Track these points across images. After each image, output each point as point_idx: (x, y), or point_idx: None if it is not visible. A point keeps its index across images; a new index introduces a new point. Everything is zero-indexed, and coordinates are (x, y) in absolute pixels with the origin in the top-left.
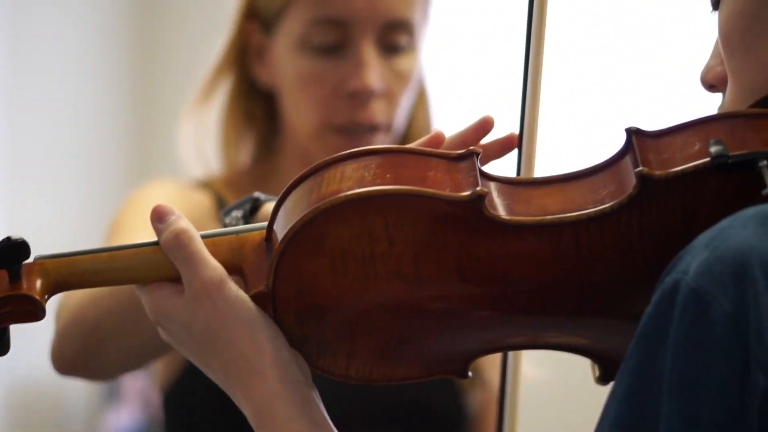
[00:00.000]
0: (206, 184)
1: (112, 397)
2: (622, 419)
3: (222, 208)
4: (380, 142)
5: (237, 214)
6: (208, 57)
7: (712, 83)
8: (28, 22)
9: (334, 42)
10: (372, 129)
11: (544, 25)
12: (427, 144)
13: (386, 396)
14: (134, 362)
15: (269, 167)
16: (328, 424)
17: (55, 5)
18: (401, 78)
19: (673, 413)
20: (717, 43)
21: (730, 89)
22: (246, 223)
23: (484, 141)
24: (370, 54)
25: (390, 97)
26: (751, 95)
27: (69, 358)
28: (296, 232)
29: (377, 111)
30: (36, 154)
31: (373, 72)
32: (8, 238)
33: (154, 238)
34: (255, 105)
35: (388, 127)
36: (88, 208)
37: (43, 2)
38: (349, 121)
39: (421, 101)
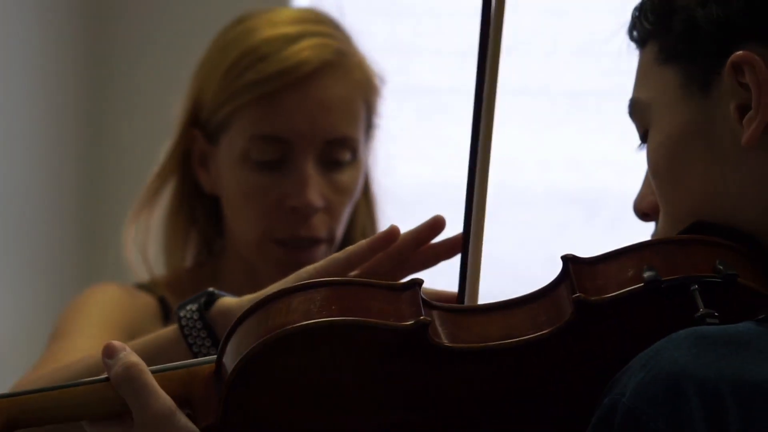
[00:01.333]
0: (149, 287)
1: None
2: None
3: (166, 309)
4: (322, 254)
5: (192, 307)
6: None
7: (645, 212)
8: None
9: (275, 157)
10: (313, 243)
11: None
12: (379, 240)
13: None
14: None
15: (212, 270)
16: None
17: None
18: (342, 192)
19: None
20: (647, 172)
21: (662, 218)
22: (201, 317)
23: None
24: (310, 170)
25: (331, 211)
26: (681, 223)
27: None
28: (244, 366)
29: (318, 225)
30: None
31: (314, 189)
32: None
33: (98, 343)
34: (198, 208)
35: (329, 240)
36: (31, 308)
37: None
38: (290, 235)
39: (365, 201)
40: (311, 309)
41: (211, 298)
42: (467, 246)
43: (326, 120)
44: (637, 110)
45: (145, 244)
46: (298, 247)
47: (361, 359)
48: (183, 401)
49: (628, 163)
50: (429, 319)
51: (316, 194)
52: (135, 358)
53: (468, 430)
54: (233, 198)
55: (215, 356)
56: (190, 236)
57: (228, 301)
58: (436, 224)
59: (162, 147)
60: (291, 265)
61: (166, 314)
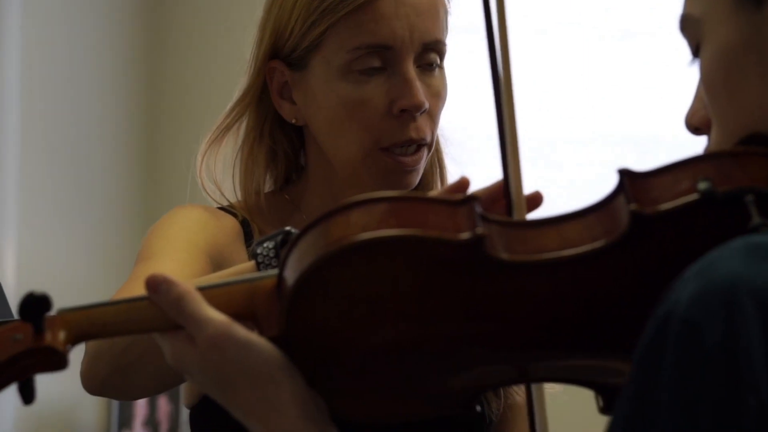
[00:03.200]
0: (230, 209)
1: (122, 425)
2: None
3: (247, 231)
4: (424, 160)
5: (269, 245)
6: (221, 85)
7: (697, 126)
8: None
9: (378, 65)
10: (419, 147)
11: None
12: (452, 190)
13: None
14: (161, 384)
15: (291, 196)
16: None
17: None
18: (437, 95)
19: None
20: (699, 86)
21: (714, 132)
22: (277, 254)
23: None
24: (413, 72)
25: (430, 114)
26: (734, 136)
27: (100, 380)
28: (304, 278)
29: (424, 128)
30: (46, 186)
31: (420, 89)
32: (31, 293)
33: (183, 265)
34: (279, 139)
35: (431, 144)
36: (98, 241)
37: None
38: (399, 140)
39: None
40: (370, 223)
41: (288, 237)
42: (509, 192)
43: (422, 24)
44: (689, 26)
45: (216, 174)
46: (405, 154)
47: (418, 272)
48: (246, 314)
49: (681, 107)
50: (486, 232)
51: (422, 94)
52: (176, 291)
53: (523, 345)
54: (334, 116)
55: (277, 271)
56: (268, 167)
57: None
58: (462, 185)
59: (221, 83)
60: (399, 172)
61: (248, 236)
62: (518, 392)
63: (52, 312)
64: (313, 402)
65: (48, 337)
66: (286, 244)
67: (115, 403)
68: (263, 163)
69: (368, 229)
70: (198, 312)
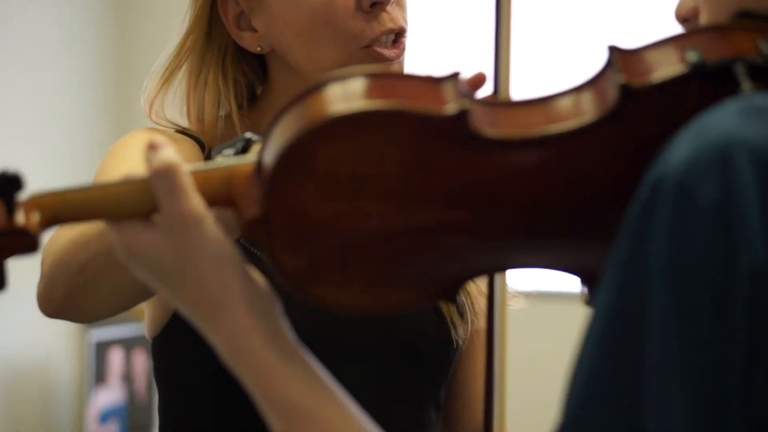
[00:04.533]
0: (186, 131)
1: (98, 379)
2: (612, 308)
3: (205, 152)
4: (405, 51)
5: (229, 152)
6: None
7: (686, 17)
8: None
9: None
10: (399, 35)
11: None
12: (470, 82)
13: (373, 332)
14: (120, 303)
15: (249, 116)
16: (300, 354)
17: None
18: None
19: (661, 298)
20: None
21: (703, 17)
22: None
23: None
24: None
25: (399, 4)
26: (722, 16)
27: (57, 301)
28: (287, 154)
29: (398, 16)
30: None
31: None
32: (3, 172)
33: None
34: (240, 70)
35: (404, 33)
36: (70, 159)
37: None
38: (379, 32)
39: None
40: (353, 97)
41: (248, 144)
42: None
43: None
44: None
45: (167, 114)
46: (387, 46)
47: (401, 149)
48: (224, 199)
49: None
50: (470, 106)
51: None
52: (177, 158)
53: (509, 228)
54: (305, 28)
55: (255, 156)
56: (220, 98)
57: None
58: (479, 79)
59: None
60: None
61: (208, 157)
62: (481, 318)
63: (24, 196)
64: (263, 299)
65: (20, 218)
66: (247, 150)
67: (91, 358)
68: (215, 95)
69: (352, 103)
70: (187, 184)
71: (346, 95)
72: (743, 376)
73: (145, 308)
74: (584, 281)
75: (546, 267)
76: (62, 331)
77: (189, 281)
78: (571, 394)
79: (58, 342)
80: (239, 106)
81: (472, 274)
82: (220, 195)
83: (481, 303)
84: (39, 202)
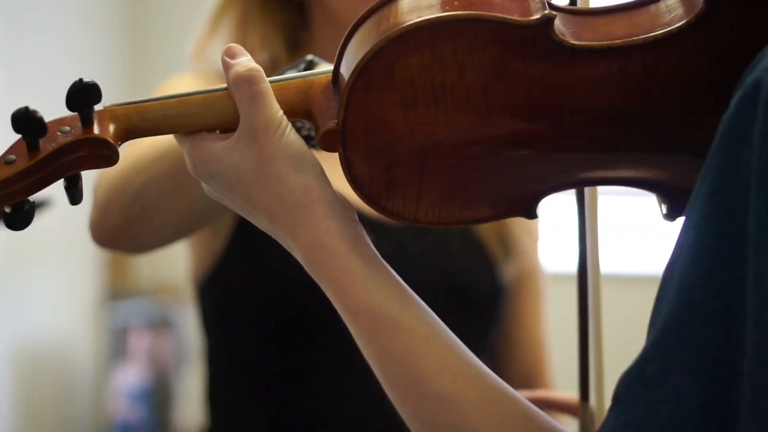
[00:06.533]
0: None
1: (119, 355)
2: (708, 217)
3: None
4: None
5: (292, 73)
6: None
7: None
8: None
9: None
10: None
11: None
12: None
13: (421, 273)
14: (175, 232)
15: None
16: (381, 262)
17: None
18: None
19: (762, 204)
20: None
21: None
22: None
23: None
24: None
25: None
26: None
27: (110, 229)
28: (366, 64)
29: None
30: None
31: None
32: (80, 80)
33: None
34: (285, 13)
35: None
36: None
37: None
38: None
39: None
40: (433, 5)
41: (311, 65)
42: None
43: None
44: None
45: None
46: None
47: (482, 58)
48: (300, 110)
49: None
50: (554, 13)
51: None
52: (256, 65)
53: (588, 141)
54: None
55: (332, 67)
56: (265, 44)
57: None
58: None
59: None
60: None
61: None
62: (531, 258)
63: (100, 107)
64: (344, 207)
65: (97, 129)
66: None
67: (109, 338)
68: (261, 36)
69: (433, 11)
70: (269, 91)
71: (428, 3)
72: None
73: (191, 249)
74: (663, 197)
75: (624, 183)
76: (83, 311)
77: (270, 185)
78: (661, 308)
79: (79, 323)
80: (282, 53)
81: (551, 190)
82: (298, 106)
83: (526, 242)
84: (114, 113)
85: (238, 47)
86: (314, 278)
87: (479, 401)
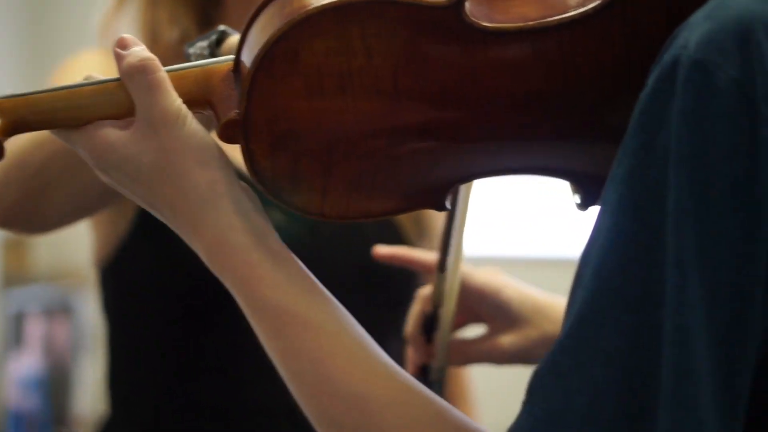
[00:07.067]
0: None
1: (14, 344)
2: (625, 199)
3: None
4: None
5: (202, 44)
6: None
7: None
8: None
9: None
10: None
11: None
12: None
13: (334, 256)
14: (77, 211)
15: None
16: (289, 256)
17: None
18: None
19: (681, 183)
20: None
21: None
22: (212, 54)
23: None
24: None
25: None
26: None
27: (9, 207)
28: (269, 50)
29: None
30: None
31: None
32: None
33: None
34: None
35: None
36: None
37: None
38: None
39: None
40: None
41: (222, 36)
42: None
43: None
44: None
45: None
46: None
47: (391, 42)
48: (200, 101)
49: None
50: None
51: None
52: (150, 54)
53: (501, 129)
54: None
55: (232, 56)
56: (174, 19)
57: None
58: None
59: None
60: None
61: None
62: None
63: None
64: (250, 200)
65: None
66: (221, 43)
67: (4, 325)
68: (170, 13)
69: None
70: (166, 81)
71: None
72: (765, 265)
73: (94, 231)
74: (578, 186)
75: (538, 172)
76: None
77: (172, 180)
78: (576, 296)
79: None
80: (194, 28)
81: (461, 180)
82: (197, 96)
83: (439, 222)
84: (1, 106)
85: (130, 38)
86: (219, 276)
87: (391, 401)
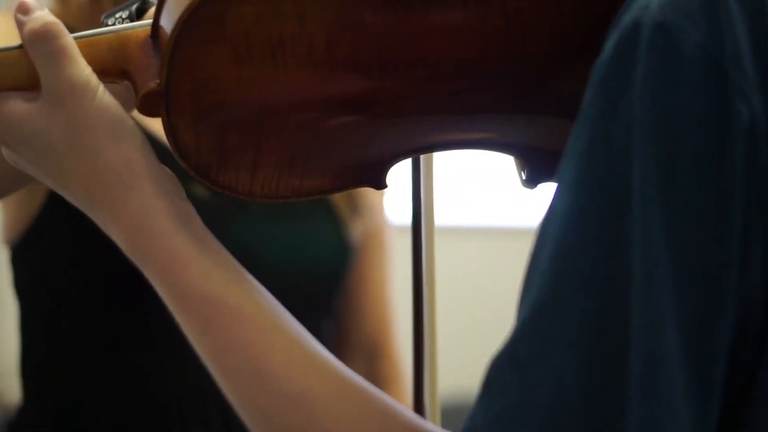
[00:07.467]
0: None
1: None
2: (585, 174)
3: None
4: None
5: (122, 15)
6: None
7: None
8: None
9: None
10: None
11: None
12: None
13: (264, 238)
14: None
15: (120, 2)
16: (215, 243)
17: None
18: None
19: (647, 155)
20: None
21: None
22: None
23: None
24: None
25: None
26: None
27: None
28: (192, 14)
29: None
30: None
31: None
32: None
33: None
34: None
35: None
36: None
37: None
38: None
39: None
40: None
41: (145, 5)
42: None
43: None
44: None
45: None
46: None
47: (326, 5)
48: (116, 71)
49: None
50: None
51: None
52: (55, 18)
53: (442, 98)
54: None
55: (149, 21)
56: None
57: None
58: None
59: None
60: None
61: None
62: (378, 216)
63: None
64: (167, 177)
65: None
66: (143, 13)
67: None
68: None
69: None
70: (71, 47)
71: None
72: (738, 246)
73: (4, 209)
74: (524, 161)
75: (483, 146)
76: None
77: (83, 157)
78: (533, 280)
79: None
80: None
81: (401, 156)
82: (111, 65)
83: (374, 199)
84: None
85: (32, 2)
86: (138, 264)
87: (333, 397)
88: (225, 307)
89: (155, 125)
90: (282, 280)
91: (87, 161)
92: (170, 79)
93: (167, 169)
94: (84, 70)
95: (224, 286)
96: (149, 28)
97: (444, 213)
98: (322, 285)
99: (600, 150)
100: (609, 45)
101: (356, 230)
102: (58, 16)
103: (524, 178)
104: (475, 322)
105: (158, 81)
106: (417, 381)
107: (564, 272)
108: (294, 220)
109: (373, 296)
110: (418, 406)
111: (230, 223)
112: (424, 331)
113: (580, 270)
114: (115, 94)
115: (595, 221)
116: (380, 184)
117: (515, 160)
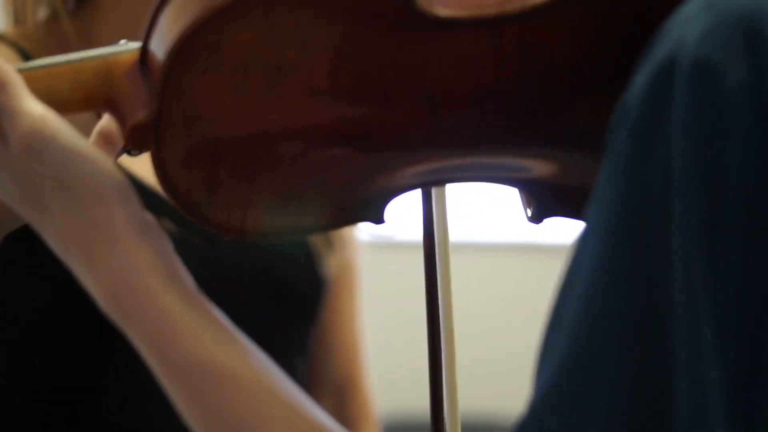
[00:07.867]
0: (4, 38)
1: None
2: (614, 226)
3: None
4: None
5: None
6: None
7: None
8: None
9: None
10: None
11: None
12: None
13: (236, 271)
14: None
15: (81, 22)
16: (203, 302)
17: None
18: None
19: (690, 208)
20: None
21: None
22: None
23: None
24: None
25: None
26: None
27: None
28: (187, 39)
29: None
30: None
31: None
32: None
33: None
34: None
35: None
36: None
37: None
38: None
39: None
40: None
41: None
42: None
43: None
44: None
45: None
46: None
47: (329, 31)
48: (101, 99)
49: None
50: None
51: None
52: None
53: (453, 131)
54: None
55: (138, 43)
56: None
57: None
58: None
59: None
60: None
61: None
62: (350, 249)
63: None
64: (156, 234)
65: None
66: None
67: None
68: None
69: None
70: (14, 99)
71: None
72: None
73: None
74: (531, 196)
75: (489, 180)
76: None
77: (57, 211)
78: (557, 340)
79: None
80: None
81: (403, 190)
82: (96, 93)
83: (347, 231)
84: None
85: None
86: (120, 325)
87: None
88: (218, 373)
89: (129, 162)
90: (255, 317)
91: (62, 215)
92: (161, 109)
93: (150, 215)
94: (38, 119)
95: (218, 349)
96: (137, 52)
97: (457, 229)
98: (296, 321)
99: (633, 202)
100: (640, 81)
101: (330, 264)
102: (14, 38)
103: (530, 214)
104: (493, 342)
105: (148, 111)
106: (435, 402)
107: (592, 335)
108: (267, 255)
109: (345, 331)
110: (438, 427)
111: (200, 258)
112: (441, 354)
113: (612, 334)
114: (72, 122)
115: (629, 281)
116: (380, 219)
117: (521, 196)
